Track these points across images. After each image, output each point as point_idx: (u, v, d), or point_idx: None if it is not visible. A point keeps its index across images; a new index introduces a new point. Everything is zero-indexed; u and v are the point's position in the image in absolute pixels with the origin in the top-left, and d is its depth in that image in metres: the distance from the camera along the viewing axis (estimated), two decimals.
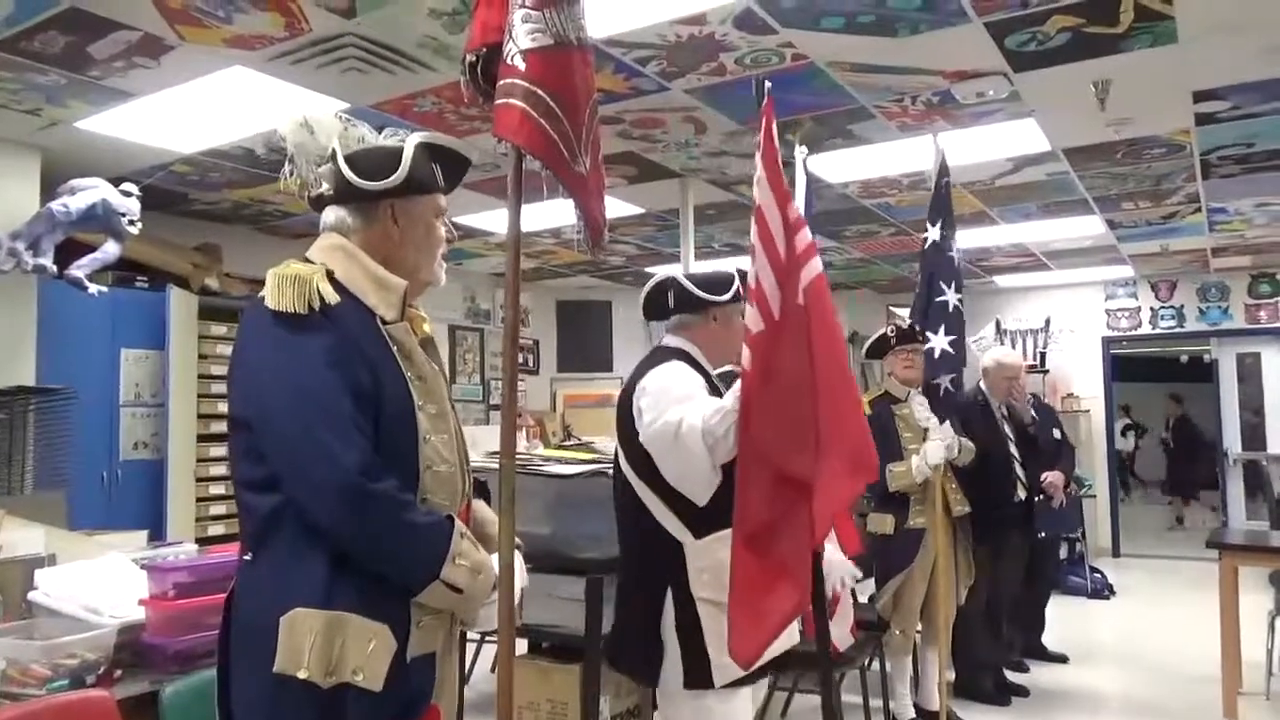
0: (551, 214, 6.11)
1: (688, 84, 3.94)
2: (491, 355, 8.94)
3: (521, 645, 3.59)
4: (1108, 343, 9.30)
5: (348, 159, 1.63)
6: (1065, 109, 4.25)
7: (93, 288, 4.47)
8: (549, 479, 3.41)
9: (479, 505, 1.81)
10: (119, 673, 2.13)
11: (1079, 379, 9.22)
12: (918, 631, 4.05)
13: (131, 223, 4.43)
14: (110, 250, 4.45)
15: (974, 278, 9.04)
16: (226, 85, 3.84)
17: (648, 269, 8.49)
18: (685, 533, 2.24)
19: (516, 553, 1.72)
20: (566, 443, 8.99)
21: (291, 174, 1.71)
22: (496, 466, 3.44)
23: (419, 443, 1.54)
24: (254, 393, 1.52)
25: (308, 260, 1.61)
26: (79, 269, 4.40)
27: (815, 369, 2.00)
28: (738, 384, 2.08)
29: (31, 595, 2.34)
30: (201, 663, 2.16)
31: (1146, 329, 9.16)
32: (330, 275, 1.55)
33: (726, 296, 2.44)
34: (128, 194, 4.42)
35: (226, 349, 5.73)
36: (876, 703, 3.96)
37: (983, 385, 4.71)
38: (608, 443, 9.78)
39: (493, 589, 1.59)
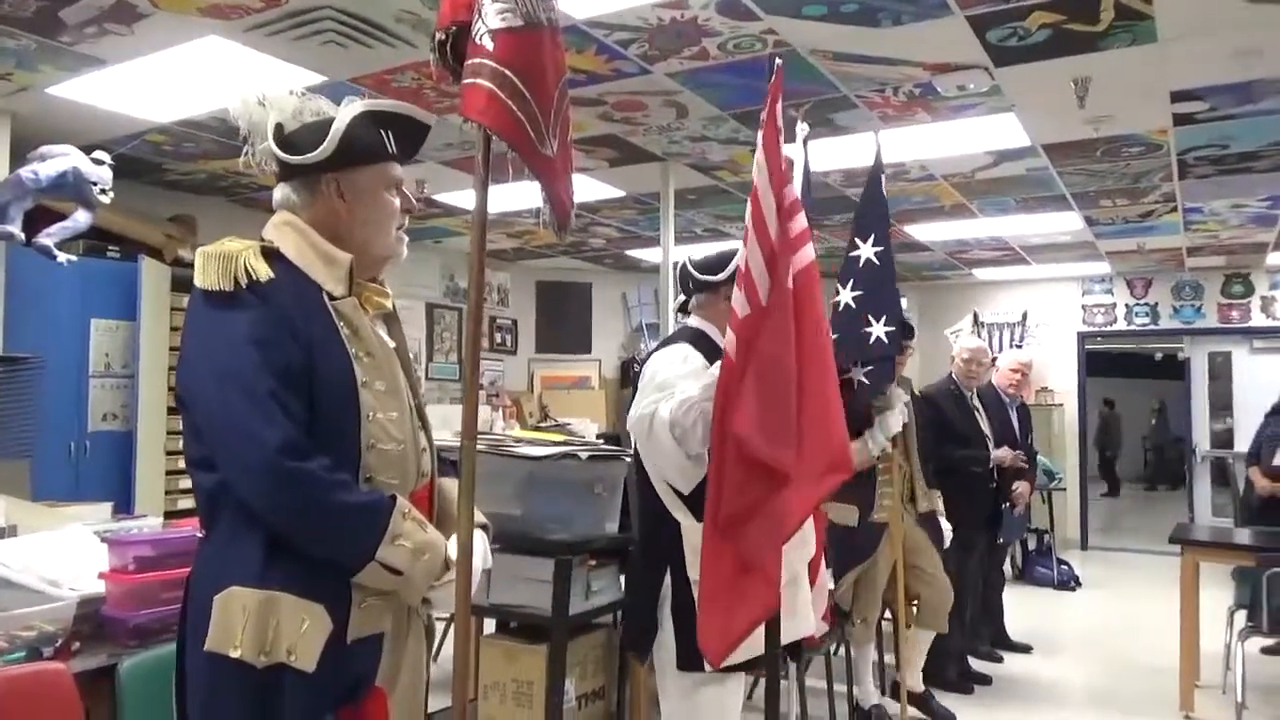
0: (532, 194, 6.09)
1: (669, 68, 3.92)
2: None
3: (491, 625, 3.60)
4: (1083, 338, 9.38)
5: (292, 134, 1.60)
6: (1045, 105, 4.27)
7: (61, 256, 4.40)
8: (519, 460, 3.41)
9: (447, 484, 1.77)
10: (77, 645, 2.11)
11: (1054, 373, 9.30)
12: (887, 619, 4.08)
13: (104, 192, 4.36)
14: (80, 219, 4.38)
15: (952, 269, 9.10)
16: (201, 55, 3.78)
17: (628, 252, 8.49)
18: (686, 514, 2.24)
19: (480, 533, 1.70)
20: (543, 424, 9.02)
21: (248, 153, 1.68)
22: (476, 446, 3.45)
23: (361, 420, 1.51)
24: (186, 372, 1.51)
25: (261, 239, 1.59)
26: (48, 237, 4.33)
27: (799, 356, 1.97)
28: (709, 373, 2.07)
29: None
30: (160, 637, 2.15)
31: (1122, 325, 9.25)
32: (272, 252, 1.52)
33: (724, 275, 2.42)
34: (100, 162, 4.35)
35: None
36: (841, 688, 4.00)
37: (954, 374, 4.76)
38: (585, 424, 9.74)
39: (444, 570, 1.57)
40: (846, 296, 3.31)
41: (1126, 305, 9.21)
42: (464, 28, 1.38)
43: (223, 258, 1.46)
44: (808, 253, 2.09)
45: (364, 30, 3.57)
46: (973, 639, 4.84)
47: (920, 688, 4.05)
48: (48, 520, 2.73)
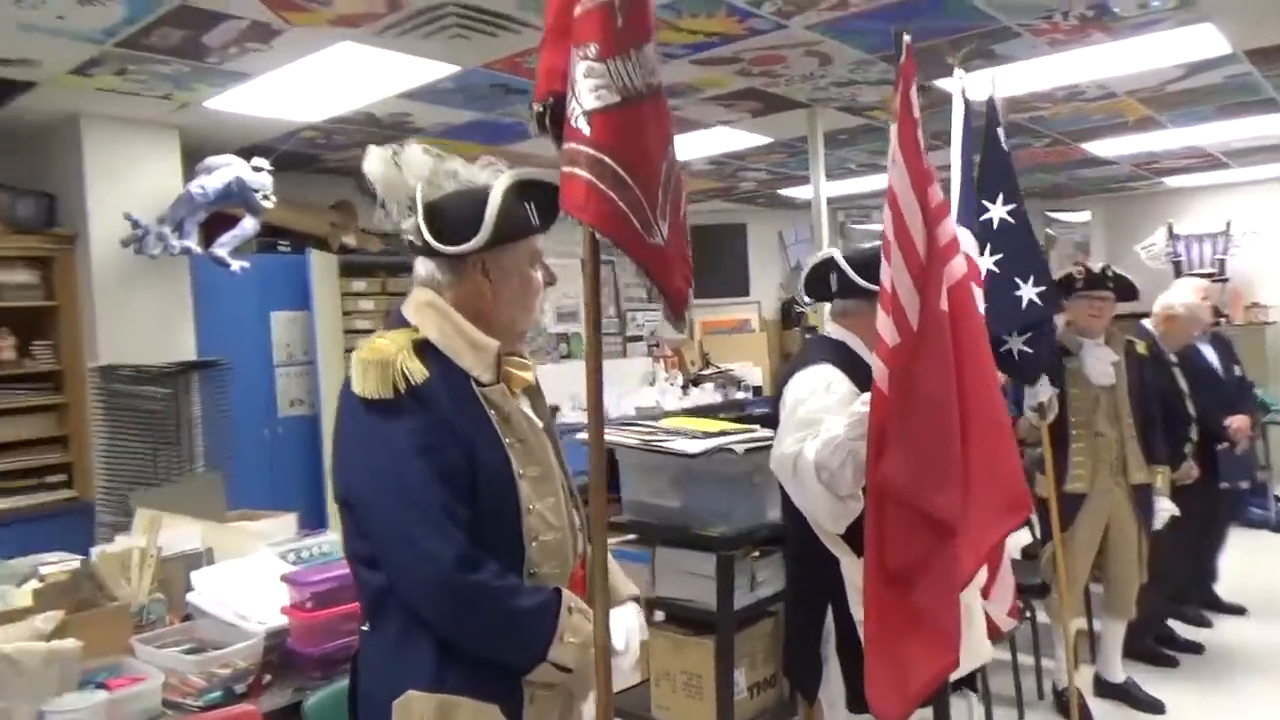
0: (678, 145, 5.93)
1: (806, 20, 3.65)
2: (625, 286, 8.89)
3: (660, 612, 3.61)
4: None
5: (433, 207, 1.52)
6: (1248, 9, 3.70)
7: (235, 264, 4.65)
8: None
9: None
10: (267, 678, 2.24)
11: (1265, 287, 8.34)
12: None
13: (265, 197, 4.56)
14: (248, 226, 4.61)
15: (1139, 179, 8.27)
16: (338, 59, 3.83)
17: (781, 191, 8.20)
18: (846, 550, 2.09)
19: (633, 606, 1.66)
20: (705, 371, 8.96)
21: (384, 216, 1.60)
22: (627, 442, 3.41)
23: (522, 515, 1.48)
24: (352, 478, 1.49)
25: (402, 318, 1.55)
26: (221, 247, 4.58)
27: (961, 389, 1.77)
28: (857, 408, 1.89)
29: (190, 597, 2.48)
30: (342, 667, 2.24)
31: None
32: (419, 345, 1.47)
33: None
34: (259, 169, 4.54)
35: (368, 304, 5.93)
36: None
37: (1150, 328, 4.20)
38: (748, 368, 9.61)
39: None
40: (987, 262, 3.03)
41: None
42: (561, 98, 1.27)
43: (380, 365, 1.42)
44: (960, 264, 1.86)
45: (488, 20, 3.50)
46: (1179, 601, 4.42)
47: (1119, 677, 3.76)
48: (238, 540, 2.90)
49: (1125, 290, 3.62)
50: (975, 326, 1.85)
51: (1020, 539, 4.34)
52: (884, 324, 1.83)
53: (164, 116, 4.57)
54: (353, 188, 6.37)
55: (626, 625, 1.60)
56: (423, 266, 1.56)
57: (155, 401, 4.31)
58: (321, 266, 5.62)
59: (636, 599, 1.71)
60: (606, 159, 1.19)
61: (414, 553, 1.40)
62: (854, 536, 2.02)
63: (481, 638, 1.44)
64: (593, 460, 1.42)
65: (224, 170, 4.46)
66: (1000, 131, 3.17)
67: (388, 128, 5.04)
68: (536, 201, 1.52)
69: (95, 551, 2.64)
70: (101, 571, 2.49)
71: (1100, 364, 3.57)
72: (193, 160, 4.71)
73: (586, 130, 1.20)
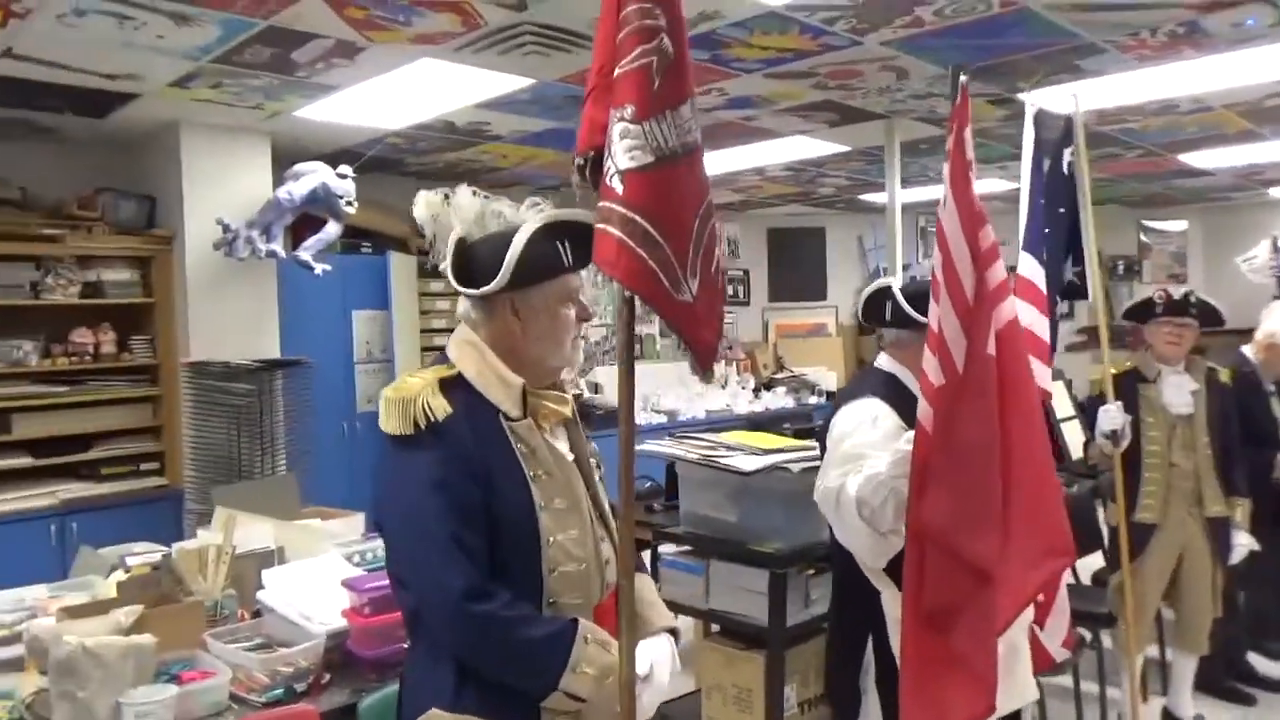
0: (753, 154, 5.93)
1: (881, 37, 3.61)
2: None
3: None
4: None
5: (471, 248, 1.60)
6: None
7: (318, 267, 4.83)
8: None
9: (639, 584, 1.71)
10: (326, 678, 2.34)
11: None
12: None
13: (349, 203, 4.72)
14: (331, 230, 4.78)
15: (1243, 190, 7.91)
16: (418, 73, 3.95)
17: (861, 196, 8.10)
18: (887, 584, 2.10)
19: (666, 639, 1.69)
20: (778, 375, 8.91)
21: (434, 255, 1.67)
22: (685, 456, 3.44)
23: (542, 546, 1.53)
24: (381, 510, 1.59)
25: (442, 354, 1.62)
26: (305, 250, 4.77)
27: (1005, 435, 1.75)
28: (901, 446, 1.89)
29: (260, 594, 2.61)
30: (395, 672, 2.34)
31: None
32: (451, 381, 1.54)
33: None
34: (344, 176, 4.70)
35: (444, 304, 6.09)
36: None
37: (1250, 355, 4.01)
38: (822, 373, 9.49)
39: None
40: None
41: None
42: (601, 152, 1.31)
43: (402, 403, 1.50)
44: (1009, 307, 1.84)
45: (562, 38, 3.56)
46: (1260, 635, 4.24)
47: (1188, 714, 3.64)
48: (308, 540, 3.04)
49: (1209, 317, 3.49)
50: (1023, 371, 1.82)
51: (1092, 563, 4.24)
52: (930, 364, 1.82)
53: (256, 124, 4.77)
54: (436, 189, 6.55)
55: (653, 656, 1.62)
56: (462, 304, 1.64)
57: (241, 397, 4.51)
58: (401, 268, 5.80)
59: (673, 631, 1.73)
60: (638, 218, 1.22)
61: (426, 582, 1.48)
62: (896, 570, 2.00)
63: (494, 665, 1.49)
64: (623, 496, 1.45)
65: (310, 177, 4.63)
66: (1067, 153, 3.08)
67: (467, 135, 5.16)
68: (573, 240, 1.56)
69: (175, 548, 2.79)
70: (180, 567, 2.63)
71: (1178, 392, 3.45)
72: (283, 164, 4.91)
73: (620, 189, 1.24)
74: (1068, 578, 4.26)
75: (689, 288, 1.27)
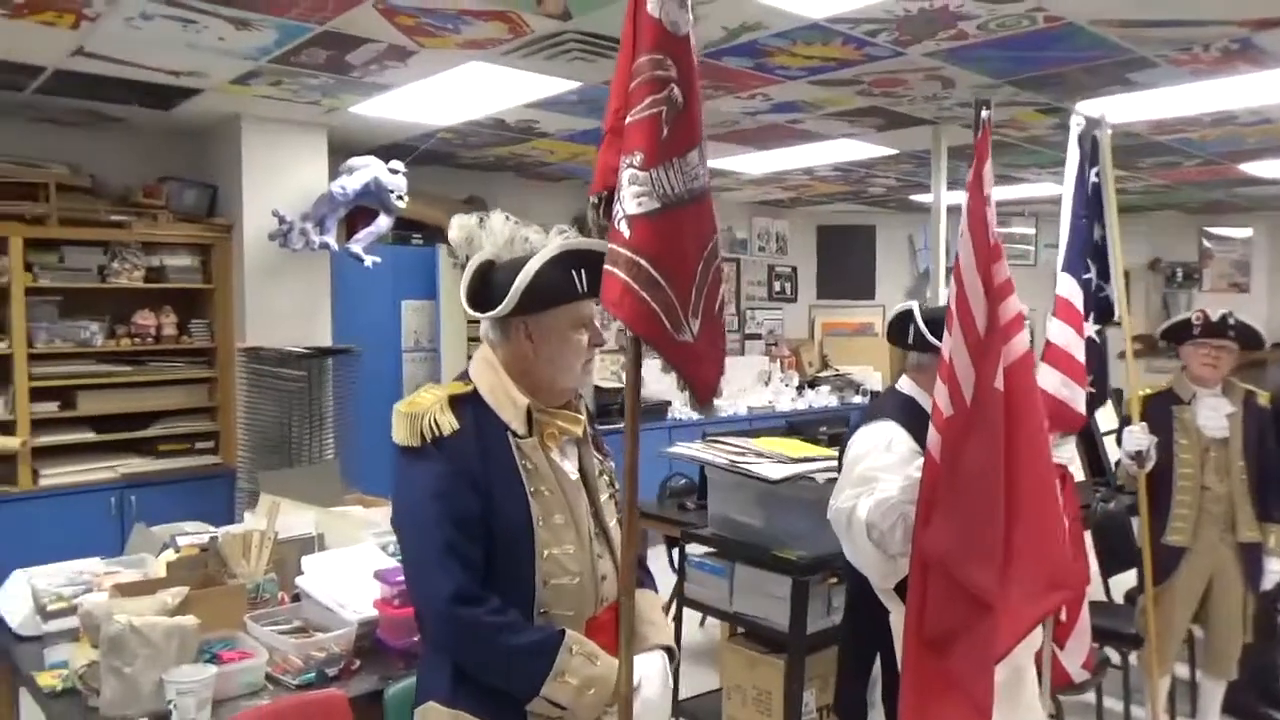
0: (800, 155, 5.93)
1: (925, 49, 3.61)
2: (747, 284, 8.93)
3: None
4: None
5: (494, 270, 1.69)
6: None
7: (368, 259, 4.97)
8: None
9: (642, 601, 1.80)
10: (357, 664, 2.46)
11: None
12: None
13: (400, 198, 4.85)
14: (382, 224, 4.92)
15: None
16: (468, 76, 4.05)
17: (911, 197, 8.04)
18: (896, 603, 2.13)
19: (659, 656, 1.76)
20: (822, 373, 8.90)
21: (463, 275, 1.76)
22: (714, 460, 3.49)
23: (536, 558, 1.62)
24: (392, 514, 1.72)
25: (463, 375, 1.71)
26: (356, 243, 4.91)
27: (1011, 467, 1.78)
28: (911, 473, 1.94)
29: (299, 580, 2.73)
30: None
31: None
32: (463, 398, 1.64)
33: None
34: (395, 171, 4.83)
35: None
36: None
37: None
38: (867, 372, 9.44)
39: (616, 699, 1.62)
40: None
41: None
42: (613, 194, 1.38)
43: (411, 418, 1.61)
44: (1021, 341, 1.87)
45: (607, 45, 3.62)
46: None
47: None
48: (347, 528, 3.16)
49: (1249, 339, 3.44)
50: (1032, 406, 1.85)
51: (1125, 581, 4.21)
52: (940, 393, 1.87)
53: (314, 119, 4.92)
54: (483, 182, 6.69)
55: (643, 671, 1.69)
56: (483, 325, 1.74)
57: (292, 382, 4.67)
58: (449, 259, 5.90)
59: (669, 650, 1.80)
60: (642, 262, 1.29)
61: (421, 584, 1.61)
62: (904, 591, 2.03)
63: (477, 667, 1.60)
64: (626, 519, 1.53)
65: (363, 171, 4.77)
66: (1094, 171, 3.05)
67: (517, 132, 5.26)
68: (589, 269, 1.63)
69: (221, 532, 2.93)
70: (225, 551, 2.77)
71: (1213, 415, 3.42)
72: (339, 156, 5.06)
73: (627, 233, 1.30)
74: (1099, 595, 4.26)
75: (690, 328, 1.34)
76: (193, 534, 3.10)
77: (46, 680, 2.27)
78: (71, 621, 2.48)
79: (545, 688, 1.57)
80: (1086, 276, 2.98)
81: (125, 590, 2.48)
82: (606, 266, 1.33)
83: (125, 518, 4.59)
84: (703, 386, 1.38)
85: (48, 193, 4.51)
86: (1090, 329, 2.91)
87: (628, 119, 1.34)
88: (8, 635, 2.60)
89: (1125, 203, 7.81)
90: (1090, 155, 3.02)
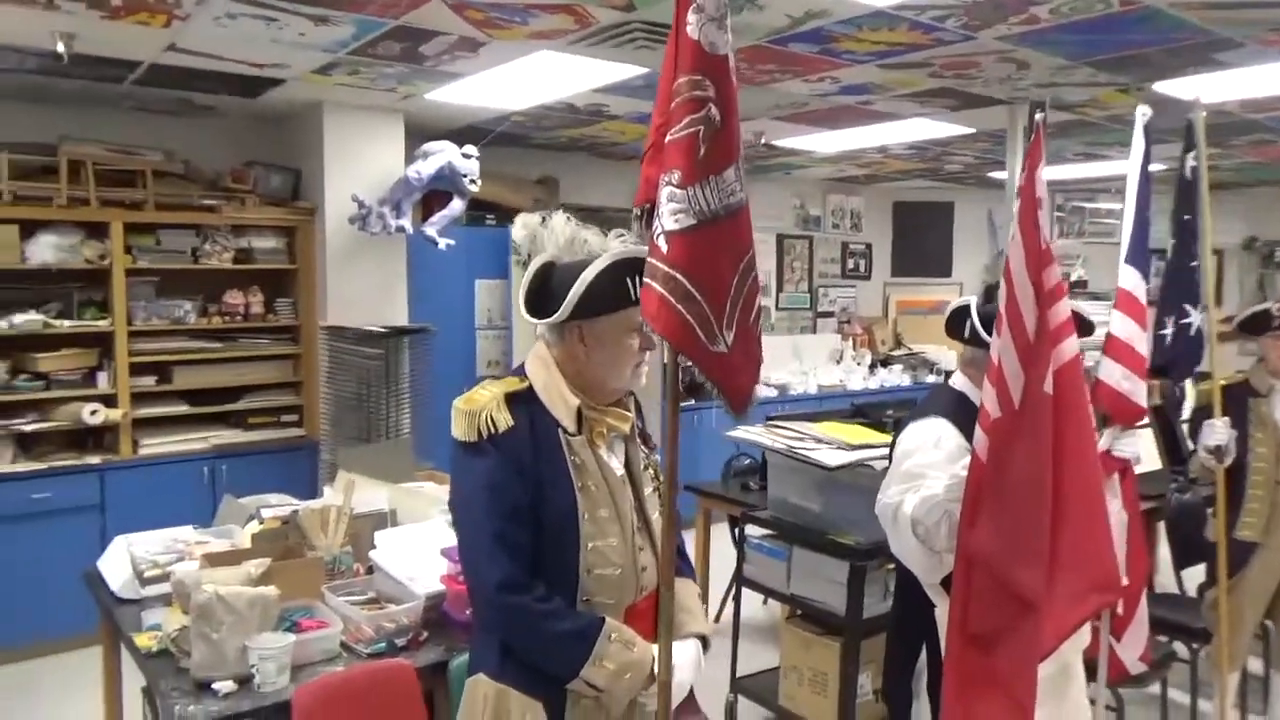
0: (874, 134, 5.87)
1: (996, 33, 3.55)
2: (821, 262, 8.87)
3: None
4: None
5: (553, 272, 1.77)
6: None
7: (442, 243, 5.12)
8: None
9: (681, 590, 1.88)
10: (424, 635, 2.60)
11: None
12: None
13: (472, 182, 4.97)
14: (456, 207, 5.06)
15: None
16: (538, 63, 4.12)
17: (990, 174, 7.86)
18: (943, 598, 2.19)
19: (694, 644, 1.84)
20: (895, 352, 8.81)
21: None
22: (774, 445, 3.53)
23: (581, 549, 1.71)
24: (450, 502, 1.84)
25: (521, 368, 1.81)
26: (430, 226, 5.06)
27: (1058, 471, 1.81)
28: (958, 471, 1.96)
29: (372, 553, 2.89)
30: None
31: None
32: (519, 395, 1.73)
33: None
34: (468, 156, 4.95)
35: None
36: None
37: None
38: (941, 352, 9.29)
39: (649, 683, 1.71)
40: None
41: None
42: (655, 207, 1.44)
43: (469, 414, 1.70)
44: (1070, 345, 1.87)
45: (669, 33, 3.65)
46: None
47: None
48: (419, 504, 3.31)
49: None
50: (1080, 410, 1.86)
51: (1197, 574, 4.13)
52: (988, 395, 1.88)
53: (391, 105, 5.07)
54: (556, 162, 6.79)
55: (676, 659, 1.74)
56: (539, 325, 1.81)
57: (370, 360, 4.87)
58: (516, 255, 6.03)
59: (703, 639, 1.87)
60: (679, 276, 1.35)
61: (471, 570, 1.72)
62: (950, 584, 2.08)
63: (524, 649, 1.71)
64: (665, 516, 1.60)
65: (437, 156, 4.90)
66: (1189, 157, 2.97)
67: (587, 115, 5.33)
68: (642, 276, 1.65)
69: (302, 506, 3.10)
70: (305, 524, 2.94)
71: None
72: (416, 139, 5.21)
73: (665, 248, 1.37)
74: (1171, 587, 4.19)
75: (724, 339, 1.40)
76: (276, 506, 3.28)
77: (143, 641, 2.47)
78: (166, 587, 2.67)
79: (584, 671, 1.66)
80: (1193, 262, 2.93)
81: (214, 560, 2.67)
82: (645, 280, 1.39)
83: (216, 485, 4.86)
84: (736, 395, 1.44)
85: (145, 179, 4.76)
86: (1196, 316, 2.87)
87: (667, 138, 1.40)
88: (111, 597, 2.81)
89: (1217, 179, 7.51)
90: (1185, 141, 2.96)
